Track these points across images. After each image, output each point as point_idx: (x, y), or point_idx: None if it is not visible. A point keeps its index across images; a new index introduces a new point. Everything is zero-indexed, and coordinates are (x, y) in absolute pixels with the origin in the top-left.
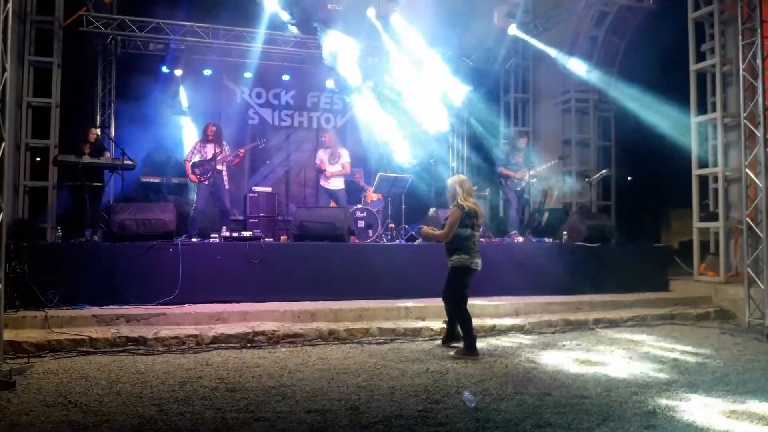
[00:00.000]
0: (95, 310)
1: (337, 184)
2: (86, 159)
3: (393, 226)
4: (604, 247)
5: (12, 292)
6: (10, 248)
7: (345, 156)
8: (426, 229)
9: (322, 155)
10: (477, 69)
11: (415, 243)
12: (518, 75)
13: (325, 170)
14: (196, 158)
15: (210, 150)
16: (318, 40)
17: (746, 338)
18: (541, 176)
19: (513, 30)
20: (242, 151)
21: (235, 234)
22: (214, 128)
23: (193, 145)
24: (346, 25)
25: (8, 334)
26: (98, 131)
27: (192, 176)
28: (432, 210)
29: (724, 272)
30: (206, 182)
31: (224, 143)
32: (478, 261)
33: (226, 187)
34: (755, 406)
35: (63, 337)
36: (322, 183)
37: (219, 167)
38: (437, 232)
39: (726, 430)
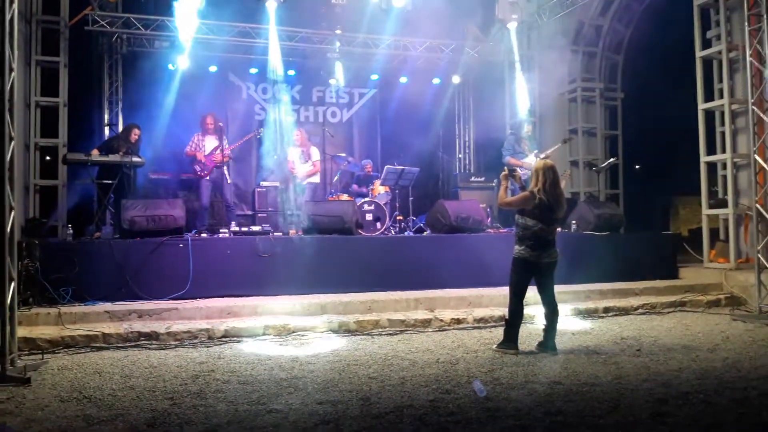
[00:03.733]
0: (107, 306)
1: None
2: (95, 157)
3: (401, 218)
4: (613, 236)
5: (25, 289)
6: (22, 246)
7: (315, 154)
8: (503, 180)
9: (293, 155)
10: (482, 60)
11: (423, 235)
12: (523, 64)
13: (293, 171)
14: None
15: (209, 143)
16: (322, 34)
17: (757, 324)
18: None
19: (513, 26)
20: (231, 147)
21: (244, 228)
22: (212, 119)
23: (191, 139)
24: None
25: (22, 331)
26: (139, 132)
27: (197, 161)
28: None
29: (734, 259)
30: (207, 178)
31: (224, 137)
32: (540, 254)
33: (228, 181)
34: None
35: (76, 333)
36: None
37: (219, 162)
38: (510, 198)
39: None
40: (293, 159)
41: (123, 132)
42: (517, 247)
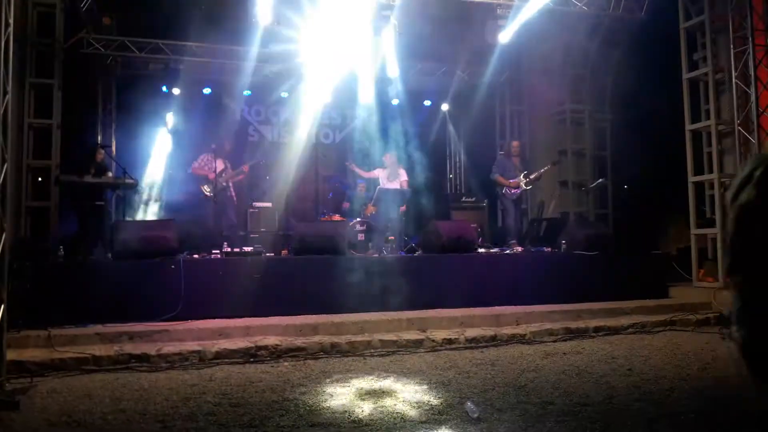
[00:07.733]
0: (98, 327)
1: None
2: (88, 178)
3: (393, 238)
4: (602, 256)
5: (15, 311)
6: (13, 268)
7: (403, 175)
8: None
9: (382, 176)
10: (472, 82)
11: (414, 255)
12: (513, 87)
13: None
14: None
15: (219, 165)
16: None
17: None
18: (538, 184)
19: (504, 38)
20: (246, 167)
21: (236, 249)
22: (229, 145)
23: (201, 157)
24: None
25: (11, 354)
26: (103, 151)
27: (208, 181)
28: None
29: (722, 278)
30: (214, 199)
31: (227, 162)
32: None
33: (234, 202)
34: None
35: (66, 356)
36: None
37: (225, 183)
38: None
39: None
40: (382, 180)
41: (89, 153)
42: None
